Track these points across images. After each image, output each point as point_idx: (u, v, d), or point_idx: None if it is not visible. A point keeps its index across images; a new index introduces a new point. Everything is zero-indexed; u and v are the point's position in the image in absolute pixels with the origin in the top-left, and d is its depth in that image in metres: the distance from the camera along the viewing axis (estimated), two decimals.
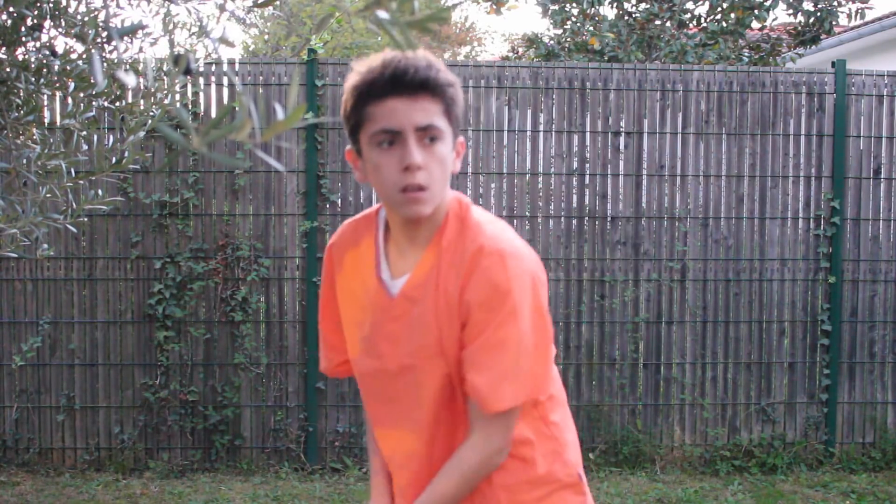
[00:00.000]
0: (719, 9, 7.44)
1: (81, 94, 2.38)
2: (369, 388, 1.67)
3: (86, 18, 2.29)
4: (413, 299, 1.55)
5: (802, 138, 5.08)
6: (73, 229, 2.45)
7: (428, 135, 1.46)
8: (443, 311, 1.53)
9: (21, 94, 2.32)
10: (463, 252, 1.53)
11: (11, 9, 2.21)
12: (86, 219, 2.73)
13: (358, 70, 1.49)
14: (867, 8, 7.63)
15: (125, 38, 2.46)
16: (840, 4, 7.63)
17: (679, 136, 5.05)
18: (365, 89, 1.46)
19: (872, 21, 8.93)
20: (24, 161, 2.32)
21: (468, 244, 1.53)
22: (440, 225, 1.56)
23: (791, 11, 7.63)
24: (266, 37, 19.79)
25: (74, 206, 2.45)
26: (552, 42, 8.20)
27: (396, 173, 1.46)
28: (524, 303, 1.50)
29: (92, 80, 2.29)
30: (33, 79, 2.30)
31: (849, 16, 7.68)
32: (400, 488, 1.66)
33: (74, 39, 2.34)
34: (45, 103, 2.54)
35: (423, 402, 1.57)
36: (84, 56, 2.32)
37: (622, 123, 5.04)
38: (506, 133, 4.99)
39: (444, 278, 1.53)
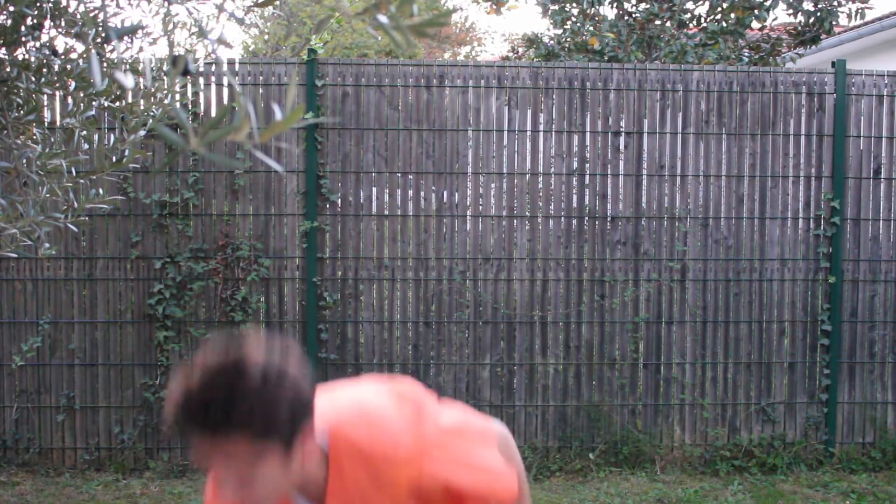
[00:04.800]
0: (719, 9, 7.44)
1: (81, 94, 2.39)
2: None
3: (85, 18, 2.29)
4: None
5: (802, 138, 5.08)
6: (74, 228, 2.46)
7: (241, 475, 1.33)
8: None
9: (21, 93, 2.32)
10: (386, 474, 1.48)
11: (12, 8, 2.21)
12: (86, 218, 2.73)
13: (174, 391, 1.34)
14: (867, 8, 7.63)
15: (125, 38, 2.46)
16: (840, 4, 7.63)
17: (679, 136, 5.05)
18: (176, 420, 1.32)
19: (872, 21, 8.92)
20: (25, 160, 2.32)
21: (387, 465, 1.47)
22: (326, 467, 1.48)
23: (791, 11, 7.63)
24: (266, 37, 19.79)
25: (75, 205, 2.46)
26: (552, 42, 8.20)
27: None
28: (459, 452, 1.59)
29: (91, 81, 2.29)
30: (34, 78, 2.30)
31: (849, 16, 7.67)
32: None
33: (74, 39, 2.34)
34: (46, 103, 2.54)
35: None
36: (84, 56, 2.32)
37: (622, 123, 5.04)
38: (506, 133, 4.99)
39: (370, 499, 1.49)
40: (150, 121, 2.46)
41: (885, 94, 5.09)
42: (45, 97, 2.46)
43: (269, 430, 1.32)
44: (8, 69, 2.26)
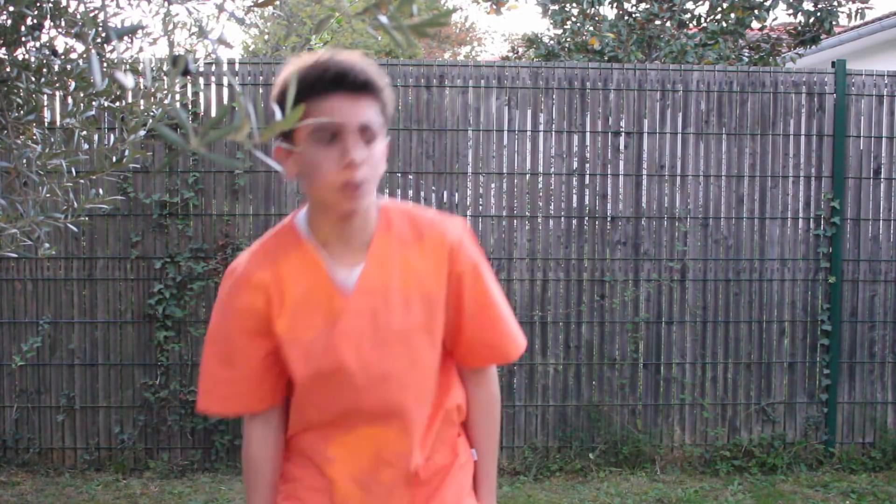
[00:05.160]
0: (719, 9, 7.44)
1: (81, 94, 2.39)
2: (325, 393, 1.59)
3: (85, 18, 2.29)
4: (373, 290, 1.58)
5: (802, 138, 5.08)
6: (74, 229, 2.46)
7: (367, 134, 1.48)
8: (415, 291, 1.59)
9: (21, 93, 2.32)
10: (429, 232, 1.62)
11: (11, 8, 2.21)
12: (86, 218, 2.73)
13: (294, 66, 1.49)
14: (867, 8, 7.63)
15: (125, 37, 2.46)
16: (840, 4, 7.63)
17: (679, 136, 5.05)
18: (306, 85, 1.46)
19: (872, 21, 8.93)
20: (25, 160, 2.32)
21: (432, 227, 1.63)
22: (377, 217, 1.61)
23: (791, 11, 7.63)
24: (266, 37, 19.79)
25: (75, 205, 2.46)
26: (552, 42, 8.20)
27: (336, 170, 1.47)
28: (487, 267, 1.72)
29: (91, 81, 2.29)
30: (33, 78, 2.30)
31: (849, 16, 7.67)
32: (375, 491, 1.64)
33: (74, 39, 2.34)
34: (46, 103, 2.54)
35: (410, 388, 1.60)
36: (84, 56, 2.32)
37: (622, 123, 5.04)
38: (506, 133, 4.99)
39: (411, 259, 1.60)
40: (150, 121, 2.46)
41: (885, 94, 5.09)
42: (45, 97, 2.46)
43: (386, 113, 1.53)
44: (8, 69, 2.26)
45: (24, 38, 2.34)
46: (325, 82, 1.46)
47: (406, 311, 1.58)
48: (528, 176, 4.99)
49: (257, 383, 1.62)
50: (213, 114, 5.04)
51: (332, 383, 1.58)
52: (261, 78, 4.89)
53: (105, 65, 2.47)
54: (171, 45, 2.61)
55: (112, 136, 2.59)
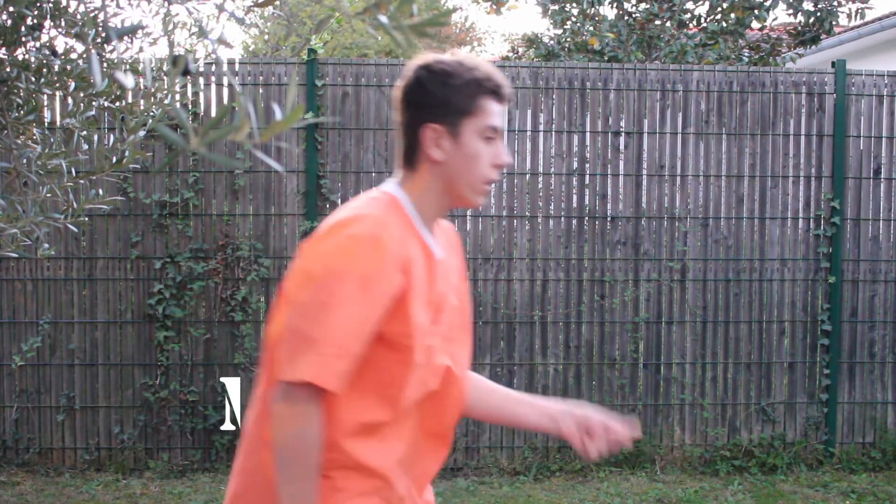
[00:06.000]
0: (719, 9, 7.44)
1: (81, 94, 2.38)
2: (423, 371, 1.64)
3: (85, 18, 2.29)
4: (450, 272, 1.73)
5: (802, 138, 5.08)
6: (74, 229, 2.46)
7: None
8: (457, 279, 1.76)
9: (21, 93, 2.32)
10: (449, 231, 1.81)
11: (11, 8, 2.21)
12: (86, 218, 2.73)
13: (457, 62, 1.63)
14: (867, 8, 7.63)
15: (125, 37, 2.46)
16: (840, 4, 7.63)
17: (679, 136, 5.05)
18: (489, 86, 1.62)
19: (872, 21, 8.92)
20: (25, 161, 2.32)
21: (447, 226, 1.81)
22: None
23: (791, 11, 7.63)
24: (266, 37, 19.79)
25: (75, 205, 2.45)
26: (552, 42, 8.20)
27: (488, 167, 1.64)
28: None
29: (91, 81, 2.29)
30: (33, 78, 2.30)
31: (849, 16, 7.67)
32: (425, 476, 1.71)
33: (74, 39, 2.34)
34: (46, 103, 2.54)
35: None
36: (84, 56, 2.32)
37: (622, 123, 5.04)
38: (506, 133, 4.98)
39: (450, 252, 1.76)
40: (150, 121, 2.46)
41: (885, 94, 5.09)
42: (45, 97, 2.46)
43: None
44: (8, 69, 2.26)
45: (24, 38, 2.34)
46: (501, 88, 1.64)
47: (458, 300, 1.75)
48: (528, 176, 4.99)
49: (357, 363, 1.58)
50: (213, 114, 5.04)
51: (427, 371, 1.62)
52: (261, 78, 4.89)
53: (105, 65, 2.47)
54: (171, 45, 2.61)
55: (112, 136, 2.59)
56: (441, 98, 1.61)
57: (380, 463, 1.60)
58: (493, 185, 1.65)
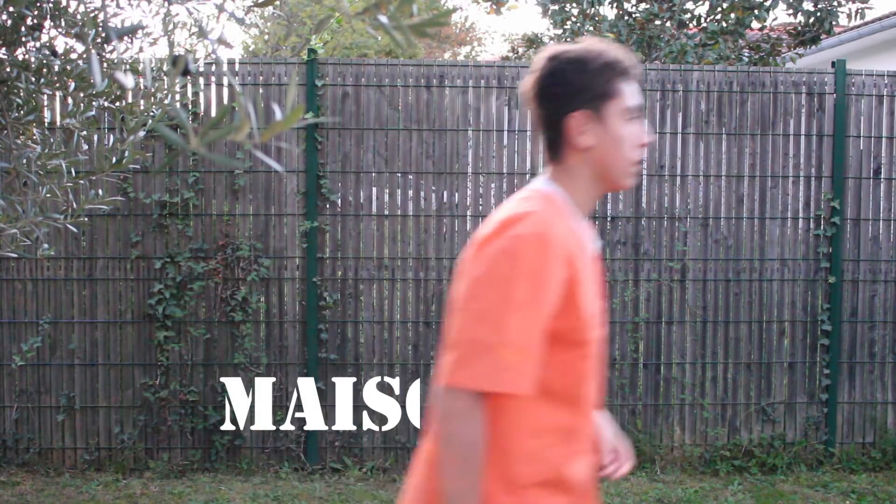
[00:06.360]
0: (719, 9, 7.44)
1: (81, 94, 2.39)
2: (594, 364, 1.64)
3: (85, 18, 2.29)
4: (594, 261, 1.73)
5: (802, 138, 5.08)
6: (74, 229, 2.46)
7: None
8: None
9: (21, 93, 2.32)
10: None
11: (11, 9, 2.21)
12: (86, 218, 2.73)
13: (584, 49, 1.63)
14: (867, 8, 7.63)
15: (125, 38, 2.46)
16: (840, 4, 7.63)
17: (679, 136, 5.05)
18: (622, 68, 1.62)
19: (872, 21, 8.92)
20: (25, 161, 2.32)
21: None
22: None
23: (791, 11, 7.63)
24: (266, 37, 19.79)
25: (75, 205, 2.46)
26: (552, 42, 8.20)
27: (633, 147, 1.63)
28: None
29: (91, 81, 2.29)
30: (33, 79, 2.30)
31: (849, 16, 7.67)
32: (587, 473, 1.68)
33: (74, 39, 2.34)
34: (46, 103, 2.54)
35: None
36: (84, 56, 2.32)
37: None
38: (506, 133, 4.99)
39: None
40: (150, 121, 2.46)
41: (885, 94, 5.09)
42: (45, 97, 2.46)
43: None
44: (8, 69, 2.26)
45: (24, 38, 2.34)
46: (634, 68, 1.64)
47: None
48: (527, 176, 4.99)
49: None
50: (213, 114, 5.04)
51: (598, 364, 1.65)
52: (261, 78, 4.89)
53: (105, 65, 2.47)
54: (171, 45, 2.61)
55: (112, 136, 2.59)
56: (581, 85, 1.60)
57: (572, 472, 1.60)
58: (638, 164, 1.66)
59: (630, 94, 1.62)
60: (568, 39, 8.04)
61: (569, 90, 1.61)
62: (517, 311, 1.49)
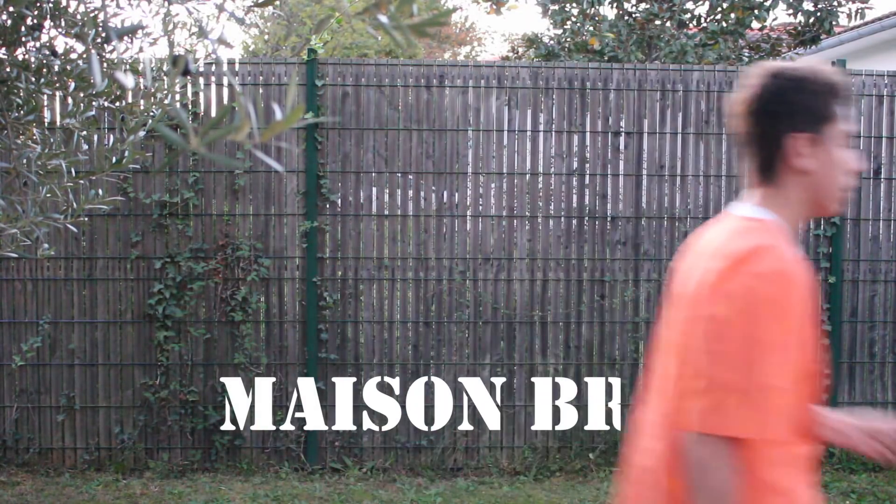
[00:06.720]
0: (719, 9, 7.44)
1: (81, 94, 2.38)
2: (816, 388, 1.63)
3: (85, 18, 2.29)
4: None
5: None
6: (74, 229, 2.46)
7: None
8: None
9: (21, 93, 2.32)
10: None
11: (11, 9, 2.21)
12: (86, 218, 2.73)
13: (808, 69, 1.62)
14: (867, 8, 7.64)
15: (125, 37, 2.46)
16: (840, 4, 7.64)
17: (679, 136, 5.05)
18: (842, 91, 1.61)
19: (872, 21, 8.92)
20: (25, 161, 2.32)
21: None
22: None
23: (791, 11, 7.63)
24: (266, 37, 19.79)
25: (75, 205, 2.45)
26: (552, 42, 8.20)
27: (846, 172, 1.61)
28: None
29: (91, 81, 2.29)
30: (33, 79, 2.30)
31: (849, 16, 7.68)
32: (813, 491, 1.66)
33: (74, 39, 2.34)
34: (46, 103, 2.54)
35: None
36: (84, 56, 2.32)
37: (622, 123, 5.04)
38: (506, 133, 4.99)
39: None
40: (150, 121, 2.46)
41: (885, 94, 5.09)
42: (45, 97, 2.46)
43: None
44: (8, 69, 2.26)
45: (24, 38, 2.34)
46: (848, 93, 1.62)
47: None
48: (528, 176, 4.99)
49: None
50: (213, 114, 5.04)
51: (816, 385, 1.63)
52: (261, 78, 4.89)
53: (105, 65, 2.47)
54: (171, 45, 2.61)
55: (112, 136, 2.59)
56: (804, 105, 1.58)
57: (806, 495, 1.60)
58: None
59: (846, 118, 1.60)
60: (568, 39, 8.05)
61: (791, 109, 1.58)
62: (770, 354, 1.46)
